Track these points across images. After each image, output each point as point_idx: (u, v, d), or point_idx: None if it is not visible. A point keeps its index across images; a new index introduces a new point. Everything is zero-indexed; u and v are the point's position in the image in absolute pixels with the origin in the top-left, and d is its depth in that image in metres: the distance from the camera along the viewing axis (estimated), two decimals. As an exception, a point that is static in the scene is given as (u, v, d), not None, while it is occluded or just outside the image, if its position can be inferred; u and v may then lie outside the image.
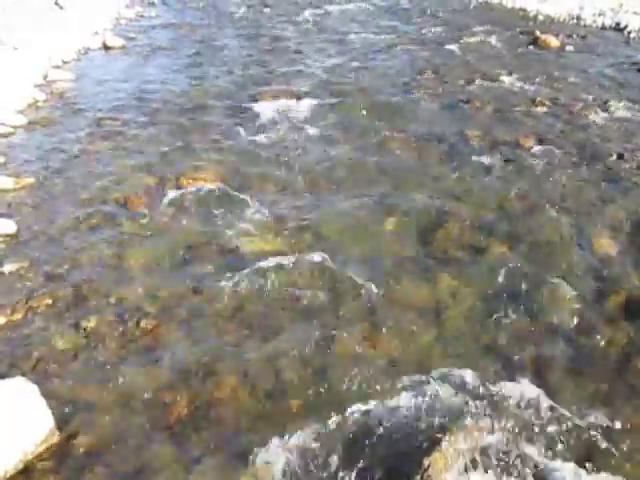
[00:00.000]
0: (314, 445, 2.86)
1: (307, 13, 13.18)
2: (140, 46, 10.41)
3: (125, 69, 9.08)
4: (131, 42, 10.59)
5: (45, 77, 8.31)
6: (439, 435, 2.82)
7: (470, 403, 3.08)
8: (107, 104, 7.46)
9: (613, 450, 2.90)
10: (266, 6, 14.05)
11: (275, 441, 2.85)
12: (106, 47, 10.22)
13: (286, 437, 2.88)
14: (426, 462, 2.68)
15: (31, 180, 5.43)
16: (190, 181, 5.43)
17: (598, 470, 2.78)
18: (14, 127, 6.60)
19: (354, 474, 2.73)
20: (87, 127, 6.72)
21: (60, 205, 5.05)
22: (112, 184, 5.39)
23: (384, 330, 3.67)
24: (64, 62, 9.18)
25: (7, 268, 4.19)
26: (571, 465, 2.77)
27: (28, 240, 4.55)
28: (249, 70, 8.97)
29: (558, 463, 2.80)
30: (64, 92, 7.90)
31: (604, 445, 2.91)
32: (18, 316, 3.76)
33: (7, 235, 4.57)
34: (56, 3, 11.71)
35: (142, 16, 12.96)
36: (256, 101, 7.44)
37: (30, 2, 11.17)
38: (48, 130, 6.64)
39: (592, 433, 2.97)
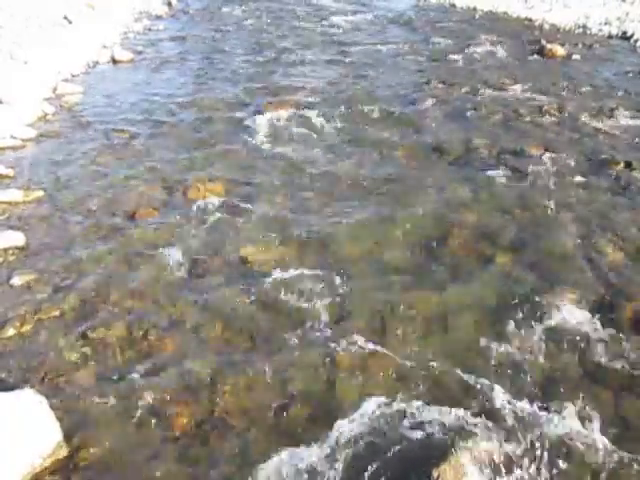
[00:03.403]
0: (321, 457, 2.85)
1: (313, 25, 13.28)
2: (148, 59, 10.51)
3: (133, 82, 9.17)
4: (139, 55, 10.70)
5: (54, 90, 8.40)
6: (448, 447, 2.81)
7: (479, 415, 3.07)
8: (115, 117, 7.53)
9: (623, 467, 2.86)
10: (273, 18, 14.16)
11: (282, 453, 2.84)
12: (115, 61, 10.32)
13: (292, 449, 2.87)
14: (435, 474, 2.67)
15: (40, 193, 5.47)
16: (197, 192, 5.47)
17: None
18: (24, 140, 6.67)
19: (362, 486, 2.72)
20: (96, 140, 6.78)
21: (69, 217, 5.09)
22: (120, 196, 5.43)
23: (391, 340, 3.66)
24: (73, 76, 9.28)
25: (16, 280, 4.22)
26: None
27: (37, 252, 4.58)
28: (255, 81, 9.03)
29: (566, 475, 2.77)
30: (73, 105, 7.98)
31: (614, 462, 2.88)
32: (27, 328, 3.78)
33: (16, 247, 4.61)
34: (65, 17, 11.85)
35: (150, 29, 13.09)
36: (263, 112, 7.47)
37: (40, 17, 11.32)
38: (57, 143, 6.71)
39: (601, 448, 2.94)
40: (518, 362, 3.49)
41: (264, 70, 9.69)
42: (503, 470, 2.76)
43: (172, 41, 12.05)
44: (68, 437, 2.97)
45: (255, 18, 14.22)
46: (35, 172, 5.94)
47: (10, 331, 3.75)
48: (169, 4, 16.01)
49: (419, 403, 3.14)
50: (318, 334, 3.71)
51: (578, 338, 3.66)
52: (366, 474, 2.78)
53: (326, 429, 3.00)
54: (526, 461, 2.82)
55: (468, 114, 7.52)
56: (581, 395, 3.23)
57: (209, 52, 11.00)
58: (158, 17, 14.58)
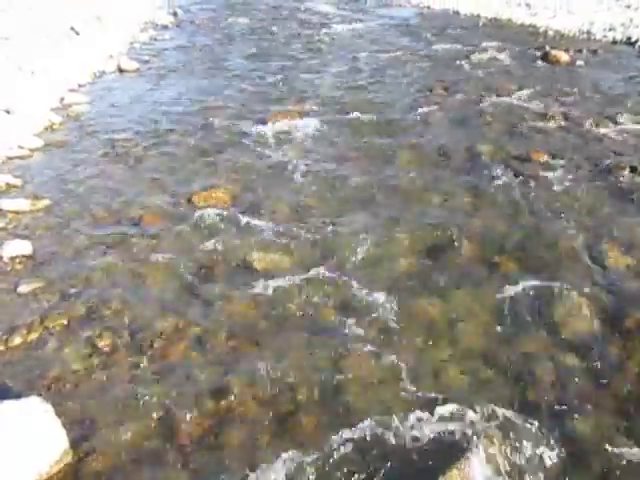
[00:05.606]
0: (328, 464, 2.84)
1: (318, 34, 13.32)
2: (154, 69, 10.59)
3: (139, 92, 9.23)
4: (145, 65, 10.78)
5: (61, 100, 8.47)
6: (455, 453, 2.80)
7: (485, 422, 3.06)
8: (122, 126, 7.58)
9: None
10: (278, 27, 14.23)
11: (289, 459, 2.84)
12: (121, 70, 10.41)
13: (299, 455, 2.86)
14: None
15: (47, 202, 5.51)
16: (203, 200, 5.49)
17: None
18: (31, 150, 6.73)
19: (368, 493, 2.71)
20: (102, 149, 6.83)
21: (75, 226, 5.12)
22: (126, 204, 5.47)
23: (397, 347, 3.65)
24: (80, 85, 9.36)
25: (23, 288, 4.24)
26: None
27: (44, 261, 4.61)
28: (260, 90, 9.07)
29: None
30: (80, 115, 8.05)
31: (625, 467, 2.86)
32: (34, 336, 3.80)
33: (24, 256, 4.64)
34: (72, 28, 11.96)
35: (156, 39, 13.18)
36: (267, 121, 7.49)
37: (47, 28, 11.43)
38: (64, 152, 6.76)
39: (611, 455, 2.92)
40: (523, 368, 3.48)
41: (269, 79, 9.72)
42: (511, 476, 2.74)
43: (177, 51, 12.13)
44: (74, 445, 2.98)
45: (260, 27, 14.29)
46: (42, 181, 5.99)
47: (17, 339, 3.77)
48: (175, 14, 16.13)
49: (425, 410, 3.14)
50: (324, 339, 3.72)
51: (585, 345, 3.65)
52: (372, 480, 2.78)
53: (330, 436, 2.99)
54: (534, 467, 2.81)
55: (472, 120, 7.52)
56: (588, 403, 3.22)
57: (214, 61, 11.07)
58: (164, 27, 14.68)
